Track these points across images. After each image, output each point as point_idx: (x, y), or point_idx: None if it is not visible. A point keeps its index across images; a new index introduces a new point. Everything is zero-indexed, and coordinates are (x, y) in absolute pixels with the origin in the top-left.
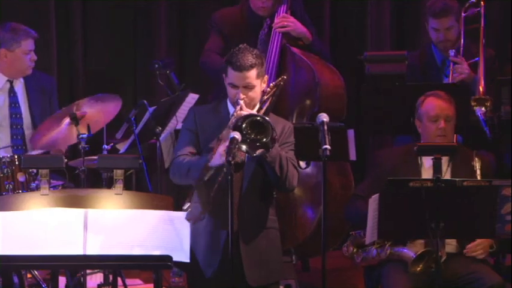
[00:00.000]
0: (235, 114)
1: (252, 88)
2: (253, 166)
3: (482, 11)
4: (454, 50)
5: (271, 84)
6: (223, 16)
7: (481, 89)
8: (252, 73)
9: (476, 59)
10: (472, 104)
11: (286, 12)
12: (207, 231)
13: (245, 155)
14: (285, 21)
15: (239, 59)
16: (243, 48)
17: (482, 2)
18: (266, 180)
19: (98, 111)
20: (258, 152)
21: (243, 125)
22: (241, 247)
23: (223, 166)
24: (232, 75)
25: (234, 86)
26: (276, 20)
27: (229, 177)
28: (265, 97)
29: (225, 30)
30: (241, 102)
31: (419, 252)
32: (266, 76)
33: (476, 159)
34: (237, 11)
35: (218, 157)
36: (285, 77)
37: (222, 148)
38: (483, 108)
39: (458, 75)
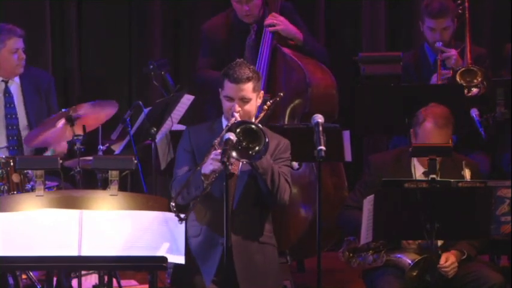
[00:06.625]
0: (229, 124)
1: (247, 101)
2: (246, 180)
3: None
4: (441, 42)
5: (268, 103)
6: (212, 26)
7: (469, 55)
8: (249, 86)
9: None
10: (458, 78)
11: (276, 12)
12: (203, 247)
13: (239, 167)
14: (275, 20)
15: (236, 71)
16: (240, 62)
17: None
18: (259, 192)
19: (93, 114)
20: (244, 160)
21: (237, 131)
22: (236, 262)
23: (216, 173)
24: (228, 87)
25: (230, 99)
26: (266, 19)
27: (225, 178)
28: (262, 114)
29: (215, 40)
30: (237, 114)
31: (416, 260)
32: (262, 92)
33: (466, 170)
34: (224, 19)
35: (209, 163)
36: (282, 94)
37: (213, 154)
38: (475, 89)
39: (448, 60)
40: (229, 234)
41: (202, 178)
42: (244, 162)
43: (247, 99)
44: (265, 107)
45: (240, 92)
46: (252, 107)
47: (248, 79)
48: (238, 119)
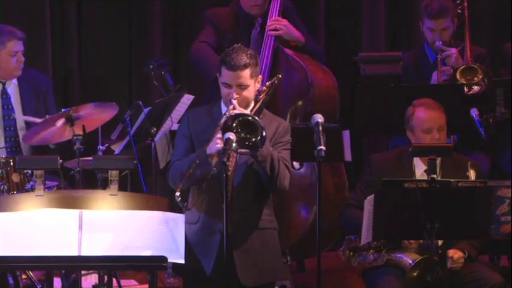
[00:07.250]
0: (227, 113)
1: (245, 88)
2: (245, 167)
3: None
4: (441, 42)
5: (266, 83)
6: (217, 14)
7: (469, 53)
8: (246, 72)
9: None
10: (458, 77)
11: (278, 15)
12: (201, 234)
13: (237, 157)
14: (277, 24)
15: (233, 58)
16: (237, 47)
17: None
18: (258, 181)
19: (94, 115)
20: (243, 151)
21: (233, 124)
22: (235, 250)
23: (220, 153)
24: (225, 75)
25: (228, 86)
26: (268, 23)
27: (225, 177)
28: (261, 97)
29: (219, 27)
30: (234, 101)
31: (417, 260)
32: (260, 76)
33: (471, 170)
34: (229, 11)
35: (215, 142)
36: (280, 76)
37: (219, 133)
38: (476, 87)
39: (448, 59)
40: (229, 224)
41: (209, 159)
42: (243, 154)
43: (244, 85)
44: (265, 87)
45: (237, 79)
46: (250, 93)
47: (245, 66)
48: (236, 105)
